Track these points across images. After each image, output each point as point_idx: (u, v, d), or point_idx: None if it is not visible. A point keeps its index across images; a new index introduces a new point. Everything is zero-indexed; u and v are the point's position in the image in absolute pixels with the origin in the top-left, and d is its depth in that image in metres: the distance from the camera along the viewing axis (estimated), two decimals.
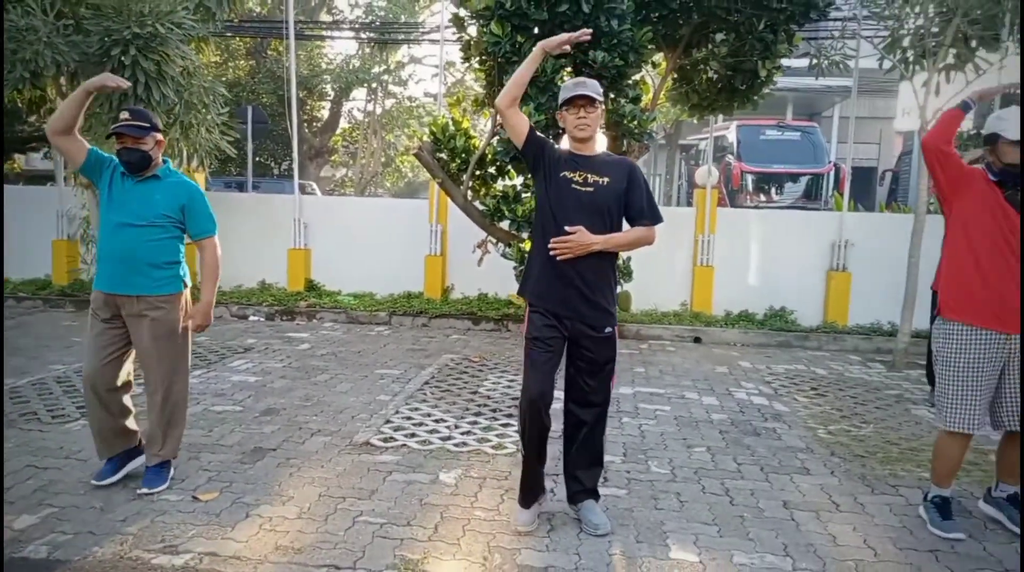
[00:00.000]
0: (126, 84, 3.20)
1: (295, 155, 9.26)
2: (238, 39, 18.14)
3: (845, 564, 2.93)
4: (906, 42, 6.63)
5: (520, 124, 3.07)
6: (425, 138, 6.78)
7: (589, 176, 3.03)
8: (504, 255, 6.71)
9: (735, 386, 5.83)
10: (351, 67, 21.92)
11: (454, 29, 7.04)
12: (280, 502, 3.36)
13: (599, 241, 2.98)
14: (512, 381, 5.74)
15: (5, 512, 3.09)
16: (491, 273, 7.92)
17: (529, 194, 6.52)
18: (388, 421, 4.62)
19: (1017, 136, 3.07)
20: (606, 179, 3.04)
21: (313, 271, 9.33)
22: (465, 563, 2.86)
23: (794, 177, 14.70)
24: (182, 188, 3.32)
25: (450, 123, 6.60)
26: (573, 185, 3.02)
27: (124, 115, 3.18)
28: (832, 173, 14.48)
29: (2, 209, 7.90)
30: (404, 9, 20.04)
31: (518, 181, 6.72)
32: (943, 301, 3.27)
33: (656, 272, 8.12)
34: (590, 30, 3.18)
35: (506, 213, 6.41)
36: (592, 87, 3.03)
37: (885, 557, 3.00)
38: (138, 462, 3.50)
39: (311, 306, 8.53)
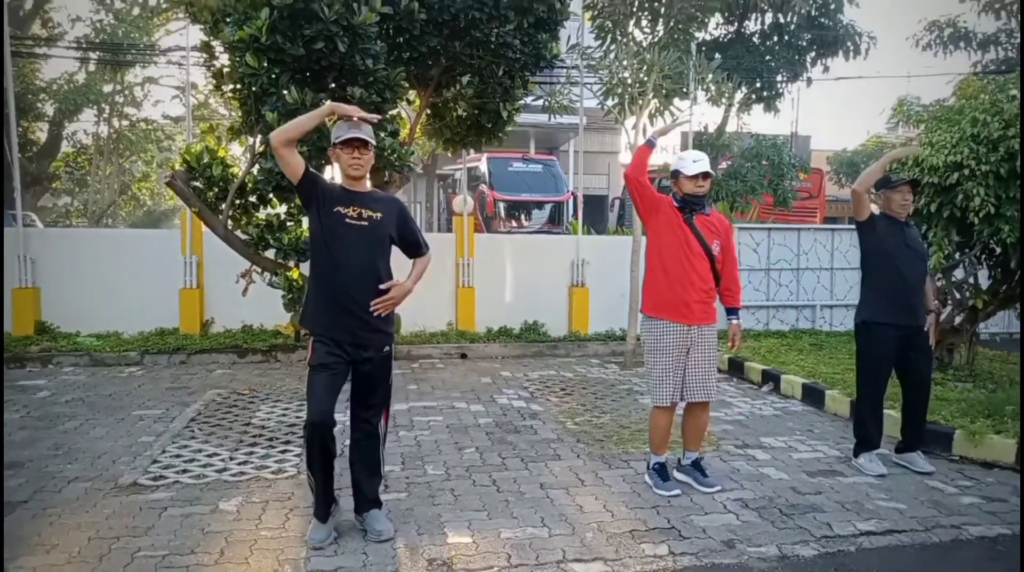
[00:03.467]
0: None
1: (16, 183, 8.27)
2: None
3: (589, 526, 3.54)
4: (618, 91, 7.85)
5: (296, 162, 3.25)
6: (178, 166, 6.54)
7: (363, 211, 3.30)
8: (271, 284, 6.69)
9: (498, 393, 6.44)
10: (74, 85, 19.76)
11: (201, 55, 6.91)
12: (43, 551, 3.18)
13: (411, 285, 3.36)
14: (287, 408, 5.77)
15: None
16: (255, 304, 7.78)
17: (293, 223, 6.60)
18: (155, 461, 4.46)
19: (690, 173, 3.98)
20: (379, 214, 3.35)
21: (43, 312, 8.37)
22: None
23: (539, 204, 16.22)
24: None
25: (205, 151, 6.46)
26: (348, 219, 3.27)
27: None
28: (571, 201, 16.22)
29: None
30: (137, 28, 18.57)
31: (281, 209, 6.75)
32: (644, 302, 4.09)
33: (423, 295, 8.38)
34: (379, 116, 3.53)
35: (272, 242, 6.42)
36: (366, 131, 3.32)
37: (620, 516, 3.67)
38: None
39: (44, 351, 7.67)
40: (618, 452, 4.71)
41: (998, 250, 6.16)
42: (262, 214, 6.81)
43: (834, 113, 66.51)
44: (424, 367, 7.73)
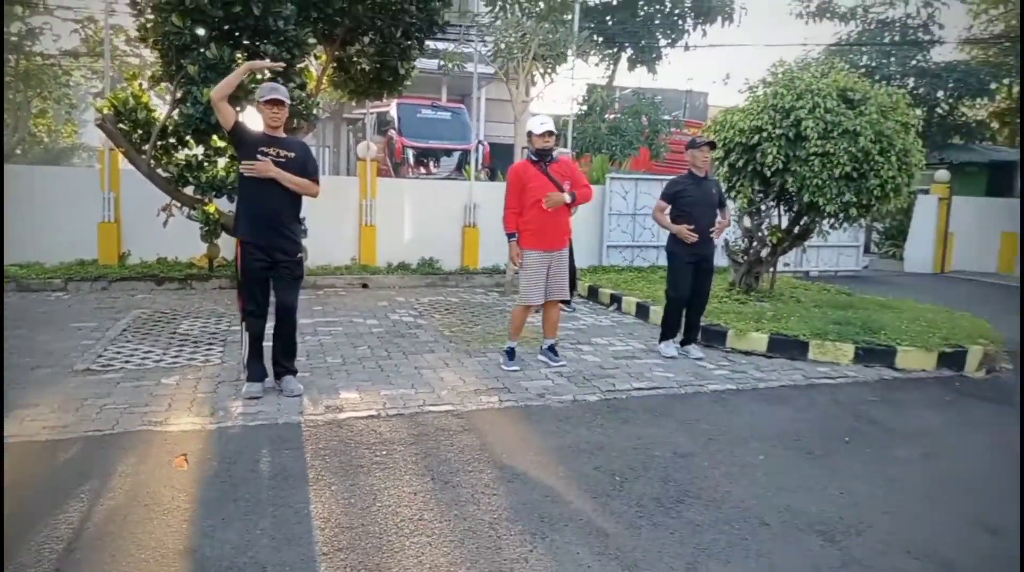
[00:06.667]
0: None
1: None
2: None
3: (445, 387, 4.89)
4: (503, 55, 9.01)
5: (229, 113, 4.36)
6: (105, 110, 7.29)
7: (280, 151, 4.45)
8: (190, 217, 7.60)
9: (391, 312, 7.67)
10: None
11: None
12: (33, 406, 4.23)
13: (274, 173, 4.36)
14: (207, 322, 6.82)
15: None
16: (170, 238, 8.65)
17: (210, 163, 7.50)
18: (100, 356, 5.47)
19: (538, 131, 5.25)
20: (292, 154, 4.50)
21: None
22: (198, 416, 4.17)
23: (447, 152, 17.12)
24: None
25: (130, 97, 7.22)
26: (268, 158, 4.40)
27: None
28: (478, 149, 17.22)
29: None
30: None
31: (199, 151, 7.62)
32: (520, 237, 5.35)
33: (329, 232, 9.59)
34: (284, 64, 4.57)
35: (191, 179, 7.32)
36: (283, 92, 4.46)
37: (469, 383, 5.03)
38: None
39: None
40: (480, 348, 6.08)
41: (795, 200, 7.79)
42: (182, 155, 7.66)
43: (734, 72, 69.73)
44: (328, 294, 8.84)
